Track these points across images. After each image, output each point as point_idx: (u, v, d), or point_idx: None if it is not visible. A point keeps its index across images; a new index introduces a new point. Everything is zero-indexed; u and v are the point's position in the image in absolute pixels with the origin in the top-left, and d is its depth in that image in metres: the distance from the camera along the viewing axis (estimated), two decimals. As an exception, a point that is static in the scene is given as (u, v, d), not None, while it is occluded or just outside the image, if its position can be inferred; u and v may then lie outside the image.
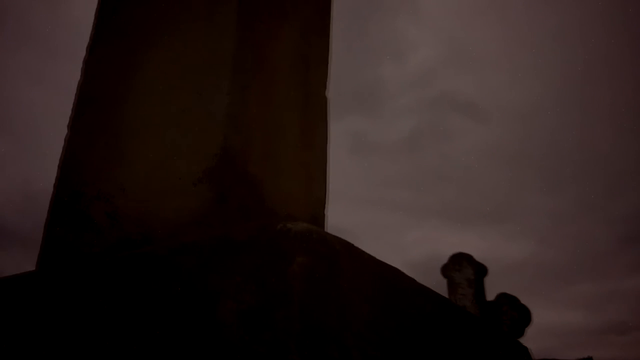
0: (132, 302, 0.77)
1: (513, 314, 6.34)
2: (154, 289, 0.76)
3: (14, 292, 1.24)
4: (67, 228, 1.53)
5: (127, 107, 1.60)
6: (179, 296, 0.74)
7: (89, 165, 1.58)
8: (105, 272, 0.84)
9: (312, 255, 0.77)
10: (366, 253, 0.95)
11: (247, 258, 0.75)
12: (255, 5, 1.59)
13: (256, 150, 1.49)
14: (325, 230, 1.75)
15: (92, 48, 1.81)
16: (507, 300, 6.46)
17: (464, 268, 6.54)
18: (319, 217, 1.70)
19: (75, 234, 1.50)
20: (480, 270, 6.60)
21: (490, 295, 7.28)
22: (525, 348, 1.54)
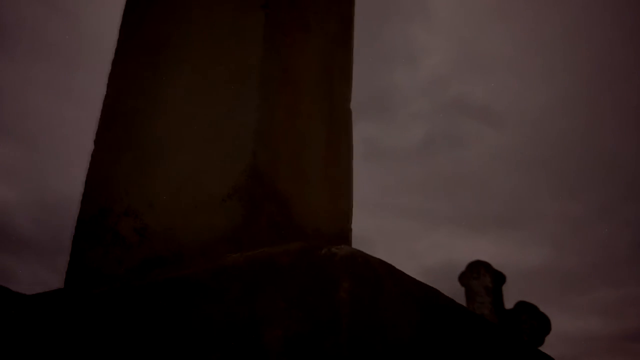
0: (172, 329, 0.76)
1: (532, 322, 6.26)
2: (196, 314, 0.74)
3: (41, 311, 1.24)
4: (94, 245, 1.53)
5: (154, 122, 1.59)
6: (222, 322, 0.72)
7: (116, 180, 1.58)
8: (142, 296, 0.83)
9: (358, 280, 0.75)
10: (406, 274, 0.93)
11: (291, 283, 0.74)
12: (280, 19, 1.59)
13: (284, 165, 1.48)
14: (351, 241, 1.74)
15: (116, 62, 1.82)
16: (526, 309, 6.39)
17: (481, 276, 6.48)
18: (345, 231, 1.68)
19: (104, 250, 1.50)
20: (499, 278, 6.53)
21: (508, 303, 7.21)
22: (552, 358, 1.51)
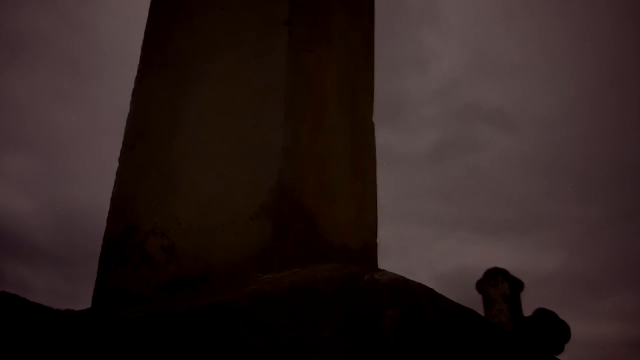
0: (215, 358, 0.75)
1: (551, 329, 6.18)
2: (239, 343, 0.74)
3: (67, 331, 1.24)
4: (121, 263, 1.53)
5: (180, 139, 1.60)
6: (266, 352, 0.72)
7: (143, 198, 1.58)
8: (181, 323, 0.82)
9: (401, 307, 0.74)
10: (444, 297, 0.92)
11: (335, 311, 0.73)
12: (304, 35, 1.59)
13: (310, 182, 1.48)
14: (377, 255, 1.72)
15: (140, 79, 1.83)
16: (545, 316, 6.31)
17: (499, 283, 6.41)
18: (371, 246, 1.67)
19: (131, 269, 1.50)
20: (516, 285, 6.46)
21: (526, 309, 7.12)
22: None
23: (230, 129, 1.50)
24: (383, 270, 0.79)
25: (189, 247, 1.43)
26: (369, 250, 1.65)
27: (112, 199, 1.67)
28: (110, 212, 1.66)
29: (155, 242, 1.49)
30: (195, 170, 1.51)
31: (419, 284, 0.86)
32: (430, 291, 0.86)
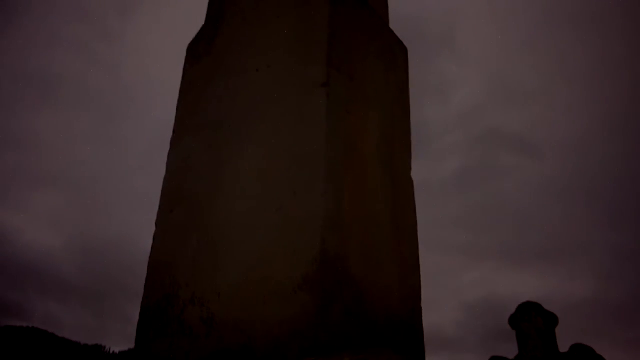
0: None
1: (590, 367, 5.93)
2: None
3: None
4: (160, 334, 1.49)
5: (218, 204, 1.57)
6: None
7: (181, 265, 1.55)
8: None
9: None
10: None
11: None
12: (341, 96, 1.56)
13: (354, 248, 1.43)
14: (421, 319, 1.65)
15: (175, 141, 1.82)
16: (582, 352, 6.07)
17: (533, 318, 6.20)
18: (416, 311, 1.60)
19: (170, 341, 1.46)
20: (551, 320, 6.24)
21: (560, 340, 6.87)
22: None
23: (270, 195, 1.47)
24: None
25: (229, 320, 1.39)
26: (415, 315, 1.59)
27: (149, 264, 1.64)
28: (148, 277, 1.63)
29: (195, 312, 1.45)
30: (235, 238, 1.48)
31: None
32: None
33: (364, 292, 1.41)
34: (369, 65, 1.72)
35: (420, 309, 1.62)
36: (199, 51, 1.91)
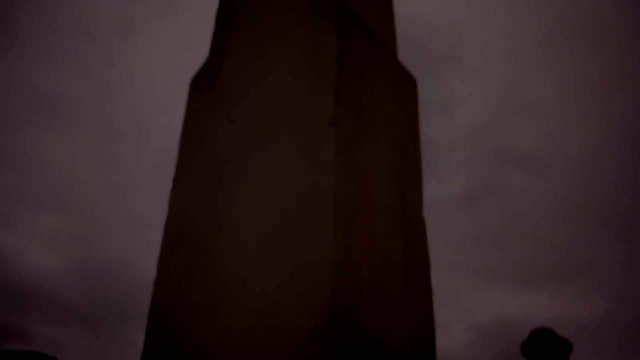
0: None
1: (606, 395, 5.78)
2: None
3: None
4: (162, 386, 1.42)
5: (222, 247, 1.50)
6: None
7: (183, 313, 1.48)
8: None
9: None
10: None
11: None
12: (350, 135, 1.50)
13: (365, 295, 1.35)
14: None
15: (178, 179, 1.76)
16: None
17: (546, 345, 6.06)
18: (430, 356, 1.52)
19: (172, 395, 1.38)
20: (565, 346, 6.10)
21: (574, 367, 6.69)
22: None
23: (276, 239, 1.40)
24: None
25: (235, 374, 1.31)
26: (429, 362, 1.50)
27: (150, 311, 1.57)
28: (148, 325, 1.56)
29: (198, 365, 1.37)
30: (240, 285, 1.41)
31: None
32: None
33: (376, 346, 1.33)
34: (378, 101, 1.66)
35: (435, 353, 1.53)
36: (203, 85, 1.87)
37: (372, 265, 1.42)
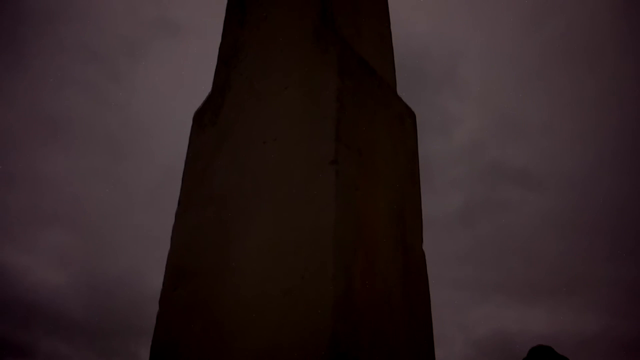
0: None
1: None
2: None
3: None
4: None
5: (224, 284, 1.52)
6: None
7: (185, 349, 1.49)
8: None
9: None
10: None
11: None
12: (351, 172, 1.52)
13: (365, 335, 1.36)
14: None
15: (180, 214, 1.78)
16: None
17: (546, 365, 6.03)
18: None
19: None
20: (565, 366, 6.07)
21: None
22: None
23: (278, 277, 1.42)
24: None
25: (237, 415, 1.31)
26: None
27: (152, 347, 1.58)
28: (151, 358, 1.57)
29: (200, 405, 1.38)
30: (242, 322, 1.42)
31: None
32: None
33: (377, 383, 1.34)
34: (377, 137, 1.69)
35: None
36: (205, 121, 1.89)
37: (373, 303, 1.43)
